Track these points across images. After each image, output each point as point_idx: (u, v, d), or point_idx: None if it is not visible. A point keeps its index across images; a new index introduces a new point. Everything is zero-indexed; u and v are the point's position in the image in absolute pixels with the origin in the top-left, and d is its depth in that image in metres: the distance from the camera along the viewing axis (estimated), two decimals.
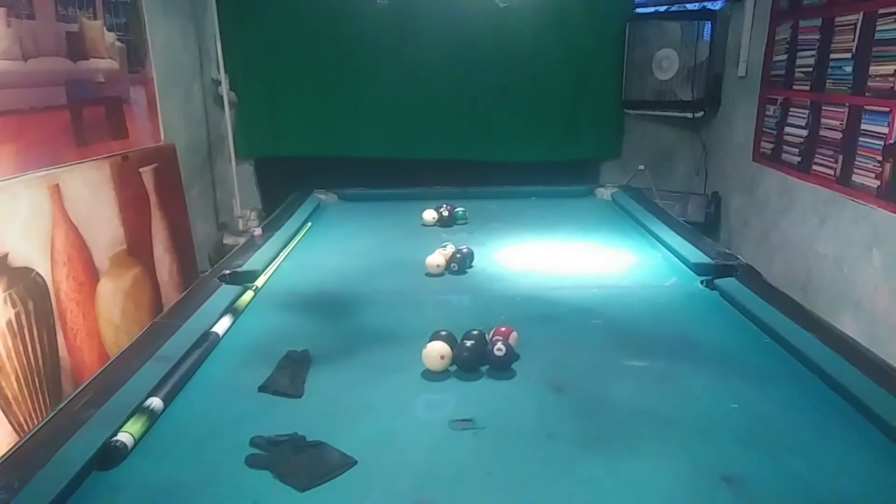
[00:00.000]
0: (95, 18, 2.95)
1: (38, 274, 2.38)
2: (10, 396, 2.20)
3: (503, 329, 1.57)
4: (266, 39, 4.39)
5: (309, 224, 2.84)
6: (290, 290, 2.08)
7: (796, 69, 3.39)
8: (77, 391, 1.37)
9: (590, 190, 3.47)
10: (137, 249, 3.10)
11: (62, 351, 2.48)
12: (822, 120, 3.15)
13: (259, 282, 2.08)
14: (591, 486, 1.09)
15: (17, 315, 2.25)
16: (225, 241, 4.33)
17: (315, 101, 4.50)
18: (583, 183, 3.74)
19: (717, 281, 2.02)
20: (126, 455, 1.17)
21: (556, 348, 1.64)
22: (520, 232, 2.74)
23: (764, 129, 3.75)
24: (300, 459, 1.15)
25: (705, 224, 4.20)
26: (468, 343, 1.51)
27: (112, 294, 2.86)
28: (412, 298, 2.03)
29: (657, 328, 1.77)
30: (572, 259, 2.41)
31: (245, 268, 2.14)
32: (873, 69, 2.75)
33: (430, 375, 1.47)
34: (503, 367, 1.49)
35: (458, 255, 2.22)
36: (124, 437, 1.18)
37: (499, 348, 1.48)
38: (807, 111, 3.29)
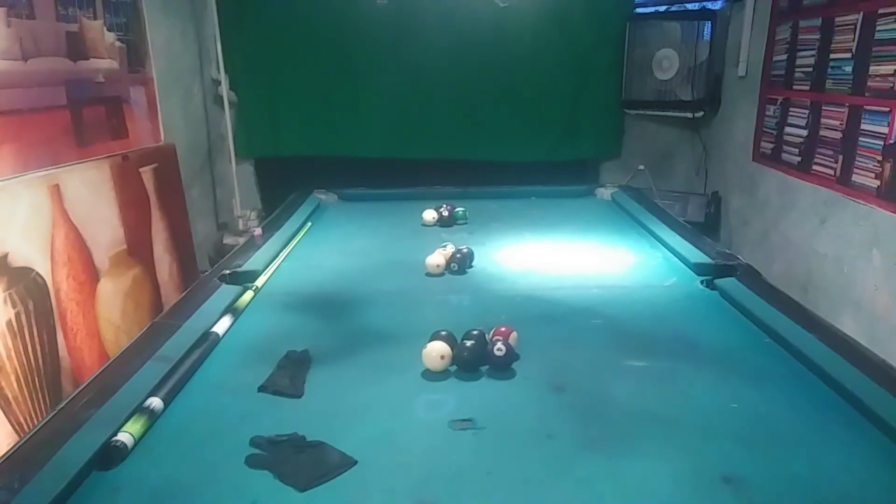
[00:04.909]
0: (95, 18, 2.95)
1: (38, 274, 2.38)
2: (10, 396, 2.20)
3: (503, 329, 1.57)
4: (266, 39, 4.39)
5: (309, 224, 2.84)
6: (290, 290, 2.08)
7: (796, 69, 3.39)
8: (77, 391, 1.37)
9: (590, 190, 3.47)
10: (137, 249, 3.10)
11: (62, 351, 2.48)
12: (822, 120, 3.15)
13: (259, 282, 2.08)
14: (591, 487, 1.09)
15: (17, 315, 2.25)
16: (225, 241, 4.33)
17: (315, 101, 4.50)
18: (583, 183, 3.74)
19: (717, 281, 2.01)
20: (126, 455, 1.17)
21: (556, 348, 1.64)
22: (520, 232, 2.74)
23: (764, 129, 3.75)
24: (300, 459, 1.15)
25: (705, 224, 4.19)
26: (468, 343, 1.51)
27: (112, 294, 2.86)
28: (412, 298, 2.03)
29: (657, 328, 1.77)
30: (572, 259, 2.41)
31: (245, 268, 2.14)
32: (873, 69, 2.75)
33: (430, 375, 1.47)
34: (503, 367, 1.49)
35: (458, 255, 2.22)
36: (124, 437, 1.18)
37: (499, 348, 1.48)
38: (807, 111, 3.29)
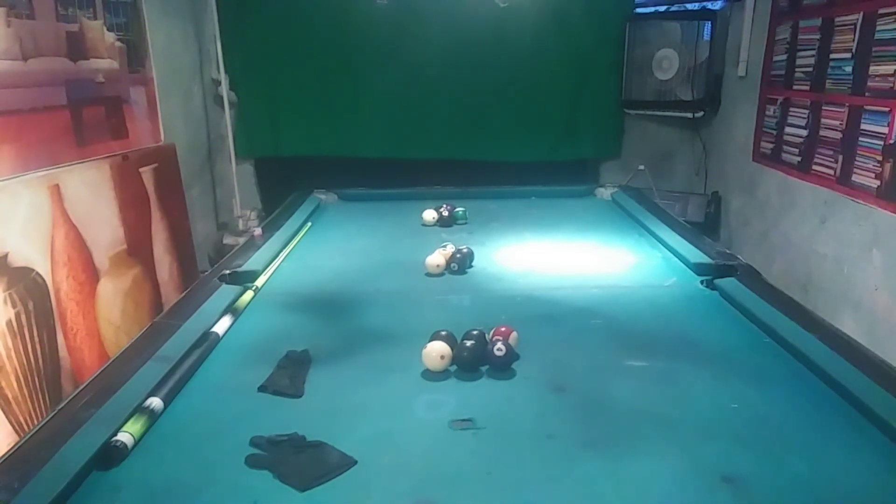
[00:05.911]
0: (95, 18, 2.95)
1: (38, 274, 2.38)
2: (10, 396, 2.20)
3: (503, 329, 1.57)
4: (266, 39, 4.39)
5: (309, 224, 2.84)
6: (290, 290, 2.08)
7: (796, 69, 3.39)
8: (77, 391, 1.37)
9: (590, 190, 3.47)
10: (137, 249, 3.10)
11: (62, 351, 2.48)
12: (822, 120, 3.15)
13: (259, 282, 2.08)
14: (591, 486, 1.09)
15: (17, 315, 2.25)
16: (225, 241, 4.33)
17: (315, 101, 4.50)
18: (583, 183, 3.74)
19: (717, 281, 2.01)
20: (126, 455, 1.17)
21: (556, 348, 1.64)
22: (520, 232, 2.74)
23: (764, 129, 3.75)
24: (300, 459, 1.15)
25: (705, 224, 4.19)
26: (468, 343, 1.51)
27: (112, 294, 2.86)
28: (412, 298, 2.03)
29: (657, 328, 1.77)
30: (572, 259, 2.41)
31: (245, 268, 2.14)
32: (873, 69, 2.75)
33: (430, 375, 1.47)
34: (503, 367, 1.49)
35: (458, 255, 2.22)
36: (124, 437, 1.18)
37: (499, 348, 1.48)
38: (807, 111, 3.29)
